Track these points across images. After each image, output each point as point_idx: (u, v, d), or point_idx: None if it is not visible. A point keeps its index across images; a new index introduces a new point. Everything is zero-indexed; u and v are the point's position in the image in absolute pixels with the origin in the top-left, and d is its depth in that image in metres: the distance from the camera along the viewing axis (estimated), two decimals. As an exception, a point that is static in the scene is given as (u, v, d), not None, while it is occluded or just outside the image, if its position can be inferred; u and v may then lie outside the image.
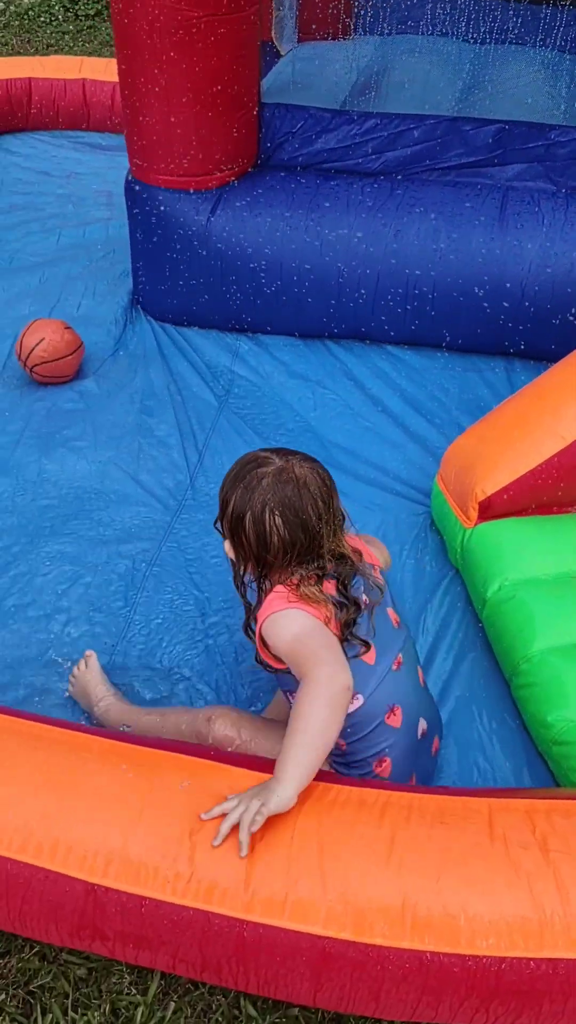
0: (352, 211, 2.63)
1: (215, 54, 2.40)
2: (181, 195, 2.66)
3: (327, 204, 2.64)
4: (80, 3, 5.87)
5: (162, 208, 2.68)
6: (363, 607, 1.51)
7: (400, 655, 1.56)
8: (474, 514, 1.97)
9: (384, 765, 1.52)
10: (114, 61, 4.20)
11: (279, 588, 1.49)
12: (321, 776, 1.40)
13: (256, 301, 2.77)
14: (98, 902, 1.29)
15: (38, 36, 5.50)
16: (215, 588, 2.08)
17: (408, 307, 2.67)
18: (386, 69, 3.22)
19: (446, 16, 3.40)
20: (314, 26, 3.43)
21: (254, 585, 1.55)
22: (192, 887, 1.27)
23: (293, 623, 1.44)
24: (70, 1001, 1.40)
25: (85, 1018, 1.38)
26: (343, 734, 1.49)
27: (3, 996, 1.41)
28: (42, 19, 5.72)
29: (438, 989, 1.23)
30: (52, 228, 3.44)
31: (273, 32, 3.47)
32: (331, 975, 1.25)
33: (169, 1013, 1.39)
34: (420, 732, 1.57)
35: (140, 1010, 1.39)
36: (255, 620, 1.51)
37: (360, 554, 1.58)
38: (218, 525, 1.57)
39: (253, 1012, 1.40)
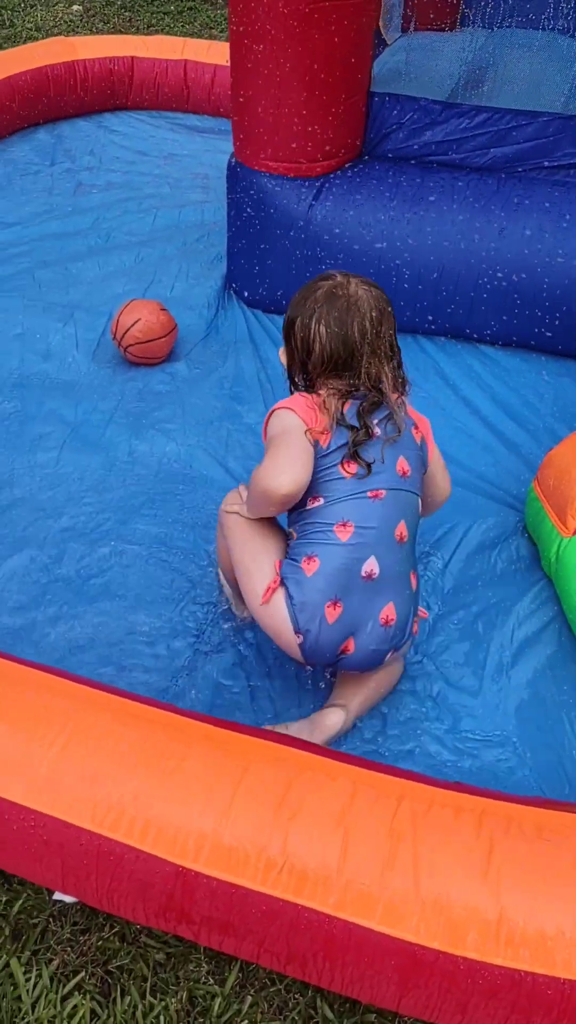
0: (456, 206, 2.59)
1: (330, 42, 2.37)
2: (284, 181, 2.64)
3: (431, 198, 2.60)
4: (181, -15, 5.87)
5: (263, 193, 2.67)
6: (373, 436, 1.61)
7: (383, 492, 1.62)
8: (573, 523, 1.92)
9: (312, 564, 1.60)
10: (216, 43, 4.22)
11: (302, 394, 1.66)
12: (413, 777, 1.38)
13: (351, 292, 2.74)
14: (187, 886, 1.29)
15: (140, 16, 5.52)
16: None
17: (506, 307, 2.62)
18: (495, 62, 3.16)
19: (558, 10, 3.33)
20: (431, 14, 3.37)
21: None
22: (283, 878, 1.26)
23: (280, 421, 1.63)
24: (148, 985, 1.41)
25: (163, 1003, 1.38)
26: (297, 524, 1.65)
27: (83, 974, 1.41)
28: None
29: (528, 1009, 1.20)
30: (148, 208, 3.44)
31: (381, 21, 3.43)
32: (419, 982, 1.23)
33: (246, 1007, 1.39)
34: (367, 573, 1.60)
35: (217, 1001, 1.38)
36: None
37: (401, 400, 1.69)
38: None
39: (330, 1014, 1.39)
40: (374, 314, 1.61)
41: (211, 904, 1.29)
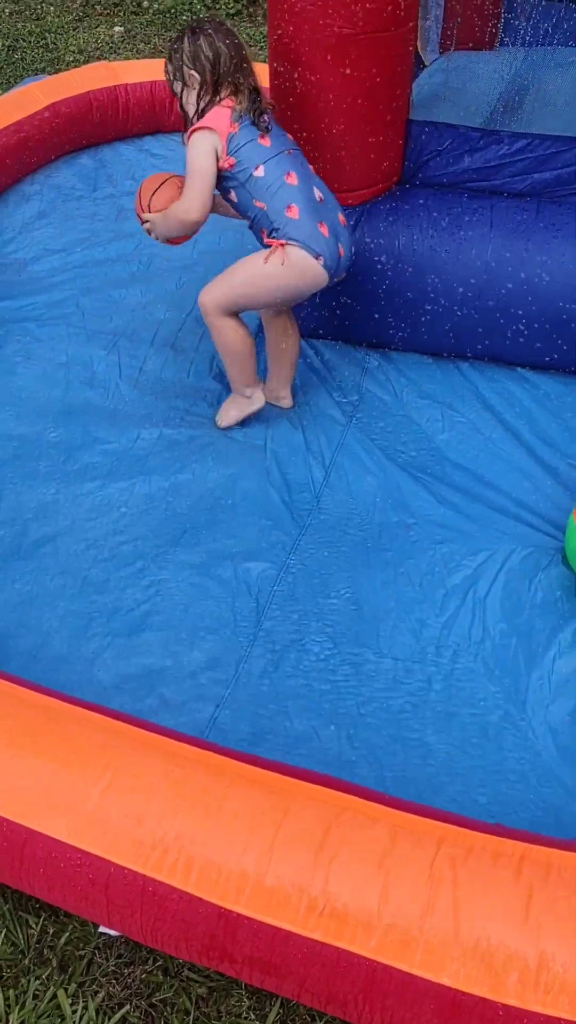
0: (495, 232, 2.59)
1: (370, 72, 2.39)
2: (323, 210, 2.66)
3: (470, 223, 2.60)
4: (220, 2, 5.93)
5: (303, 222, 2.69)
6: (265, 120, 2.26)
7: (290, 150, 2.28)
8: (613, 557, 1.92)
9: (292, 210, 2.22)
10: (256, 64, 4.26)
11: (215, 109, 2.22)
12: (452, 820, 1.39)
13: (388, 317, 2.76)
14: (229, 927, 1.32)
15: (178, 36, 5.59)
16: (340, 616, 2.08)
17: (545, 333, 2.62)
18: (534, 83, 3.15)
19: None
20: (469, 33, 3.38)
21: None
22: (324, 920, 1.28)
23: (196, 149, 2.22)
24: (191, 1018, 1.44)
25: (206, 1036, 1.41)
26: (264, 198, 2.23)
27: (127, 1007, 1.45)
28: (183, 18, 5.81)
29: (568, 1056, 1.21)
30: (216, 230, 3.48)
31: (418, 42, 3.44)
32: (459, 1027, 1.25)
33: (287, 1042, 1.41)
34: (318, 198, 2.27)
35: (259, 1035, 1.41)
36: (188, 133, 2.25)
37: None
38: (170, 75, 2.26)
39: (370, 1051, 1.40)
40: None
41: (253, 945, 1.31)
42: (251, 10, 5.98)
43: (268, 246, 2.26)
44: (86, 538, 2.26)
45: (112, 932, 1.52)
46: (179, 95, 2.29)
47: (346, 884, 1.29)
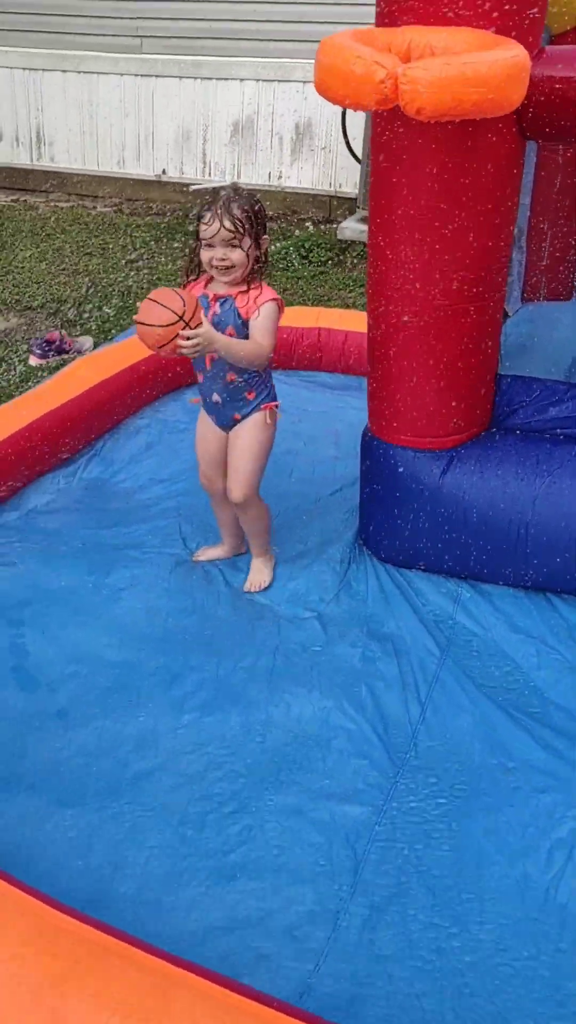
0: (584, 475, 2.69)
1: (465, 334, 2.61)
2: (416, 454, 2.83)
3: (558, 469, 2.72)
4: (313, 252, 6.57)
5: (395, 464, 2.85)
6: None
7: None
8: None
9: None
10: (348, 312, 4.67)
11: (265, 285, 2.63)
12: None
13: (481, 553, 2.84)
14: None
15: (276, 280, 6.17)
16: (441, 867, 2.02)
17: None
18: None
19: None
20: (549, 284, 3.65)
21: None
22: None
23: (277, 315, 2.66)
24: None
25: None
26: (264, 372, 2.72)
27: None
28: (281, 265, 6.43)
29: None
30: (285, 464, 3.70)
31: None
32: None
33: None
34: None
35: None
36: (258, 290, 2.63)
37: None
38: (242, 231, 2.52)
39: None
40: None
41: None
42: (340, 258, 6.59)
43: (248, 403, 2.72)
44: (183, 773, 2.27)
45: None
46: (245, 251, 2.56)
47: None
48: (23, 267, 6.45)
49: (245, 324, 2.61)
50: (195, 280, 2.70)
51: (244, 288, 2.62)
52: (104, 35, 8.05)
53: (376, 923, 1.90)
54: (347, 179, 7.41)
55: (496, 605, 2.85)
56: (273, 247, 6.68)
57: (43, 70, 8.37)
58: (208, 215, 2.52)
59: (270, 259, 2.60)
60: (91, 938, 1.62)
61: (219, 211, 2.50)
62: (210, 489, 2.99)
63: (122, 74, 8.11)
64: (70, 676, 2.58)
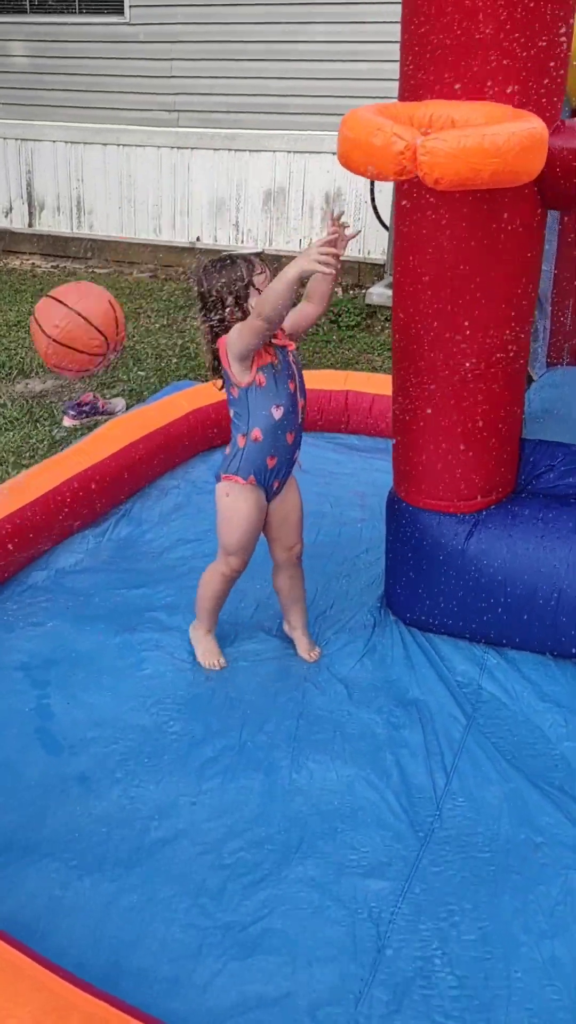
0: (611, 539, 2.66)
1: (489, 402, 2.62)
2: (441, 517, 2.82)
3: (585, 532, 2.69)
4: (341, 317, 6.67)
5: (421, 527, 2.85)
6: None
7: None
8: None
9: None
10: (375, 376, 4.71)
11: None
12: None
13: (506, 618, 2.80)
14: None
15: (305, 344, 6.26)
16: (466, 948, 1.95)
17: None
18: None
19: None
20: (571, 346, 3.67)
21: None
22: None
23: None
24: None
25: None
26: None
27: None
28: (310, 329, 6.52)
29: None
30: (311, 526, 3.69)
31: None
32: None
33: None
34: None
35: None
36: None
37: None
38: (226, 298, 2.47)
39: None
40: None
41: None
42: (368, 322, 6.68)
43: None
44: (204, 842, 2.24)
45: None
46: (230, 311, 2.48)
47: None
48: (59, 331, 6.61)
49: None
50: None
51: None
52: (142, 110, 8.36)
53: (398, 1007, 1.84)
54: (375, 246, 7.55)
55: (523, 672, 2.80)
56: (303, 311, 6.80)
57: (84, 143, 8.69)
58: (258, 264, 2.51)
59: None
60: (105, 1016, 1.58)
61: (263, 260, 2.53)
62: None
63: (159, 146, 8.40)
64: (92, 740, 2.57)
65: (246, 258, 2.52)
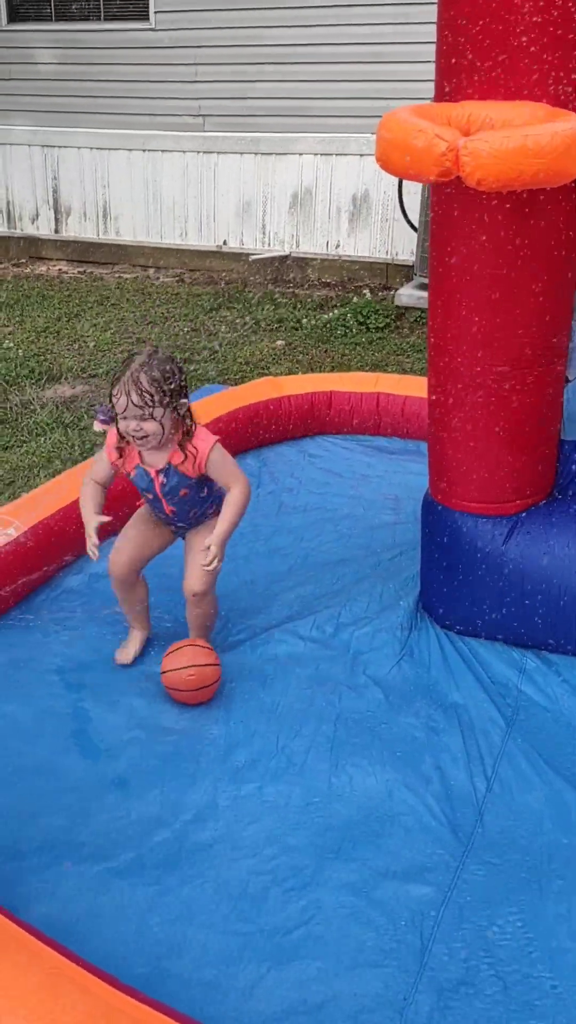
0: None
1: (526, 405, 2.59)
2: (478, 519, 2.79)
3: (626, 534, 2.66)
4: (370, 319, 6.66)
5: (457, 530, 2.82)
6: None
7: None
8: None
9: None
10: (407, 377, 4.69)
11: (200, 428, 2.61)
12: None
13: (545, 621, 2.77)
14: None
15: (334, 347, 6.25)
16: (511, 954, 1.93)
17: None
18: None
19: None
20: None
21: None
22: None
23: (226, 454, 2.64)
24: None
25: None
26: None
27: None
28: (338, 331, 6.52)
29: None
30: (344, 529, 3.70)
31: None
32: None
33: None
34: None
35: None
36: (194, 450, 2.56)
37: None
38: (158, 404, 2.45)
39: None
40: None
41: None
42: (397, 324, 6.67)
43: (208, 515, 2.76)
44: (243, 846, 2.23)
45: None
46: (159, 420, 2.46)
47: None
48: (89, 336, 6.65)
49: (198, 478, 2.62)
50: (127, 444, 2.60)
51: (177, 449, 2.57)
52: (168, 115, 8.40)
53: (444, 1012, 1.82)
54: (403, 247, 7.54)
55: (563, 675, 2.77)
56: (331, 314, 6.80)
57: (110, 149, 8.75)
58: (116, 388, 2.46)
59: (193, 419, 2.57)
60: (152, 1022, 1.58)
61: (126, 385, 2.43)
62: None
63: (185, 151, 8.44)
64: (130, 742, 2.57)
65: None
